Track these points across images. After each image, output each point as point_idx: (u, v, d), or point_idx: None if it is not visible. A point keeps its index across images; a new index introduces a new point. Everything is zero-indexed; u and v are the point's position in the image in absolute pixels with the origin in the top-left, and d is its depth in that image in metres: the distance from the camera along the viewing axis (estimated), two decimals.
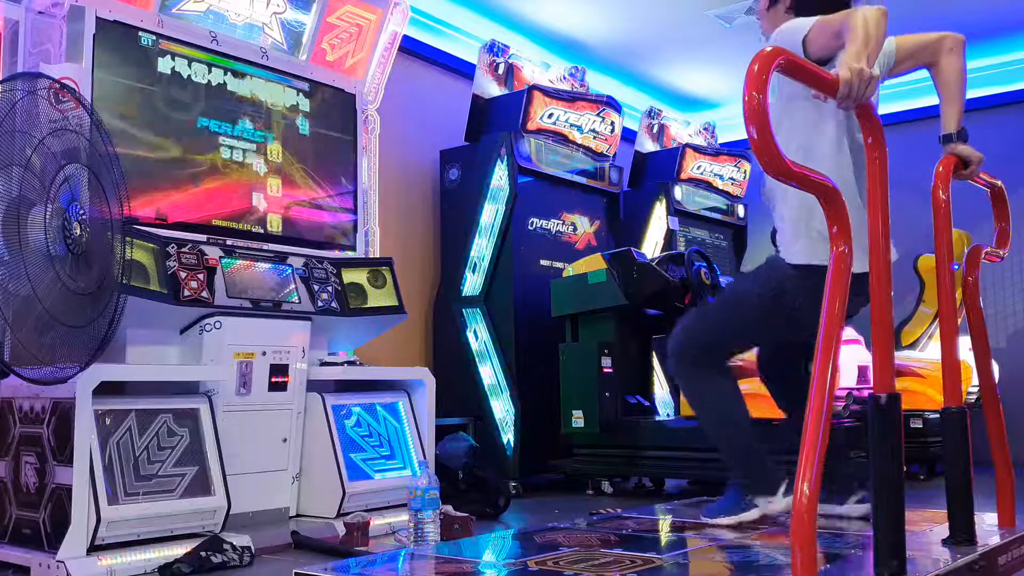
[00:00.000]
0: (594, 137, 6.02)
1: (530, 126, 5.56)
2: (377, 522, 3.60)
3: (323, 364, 3.91)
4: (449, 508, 3.70)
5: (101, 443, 2.98)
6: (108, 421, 3.03)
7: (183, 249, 3.43)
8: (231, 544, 3.08)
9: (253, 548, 3.15)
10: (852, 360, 4.83)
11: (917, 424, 5.42)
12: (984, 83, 6.94)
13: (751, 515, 2.69)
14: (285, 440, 3.67)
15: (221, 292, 3.49)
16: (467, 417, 5.20)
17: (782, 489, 2.67)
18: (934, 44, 2.60)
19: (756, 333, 2.85)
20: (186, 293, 3.36)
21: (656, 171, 6.87)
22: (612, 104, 6.08)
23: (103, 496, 2.92)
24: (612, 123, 6.09)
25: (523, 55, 5.91)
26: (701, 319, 2.94)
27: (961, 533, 2.35)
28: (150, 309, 3.25)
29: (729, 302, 2.99)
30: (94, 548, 2.90)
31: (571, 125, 5.84)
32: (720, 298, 3.19)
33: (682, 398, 4.95)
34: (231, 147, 3.85)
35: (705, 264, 5.16)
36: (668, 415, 5.48)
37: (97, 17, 3.41)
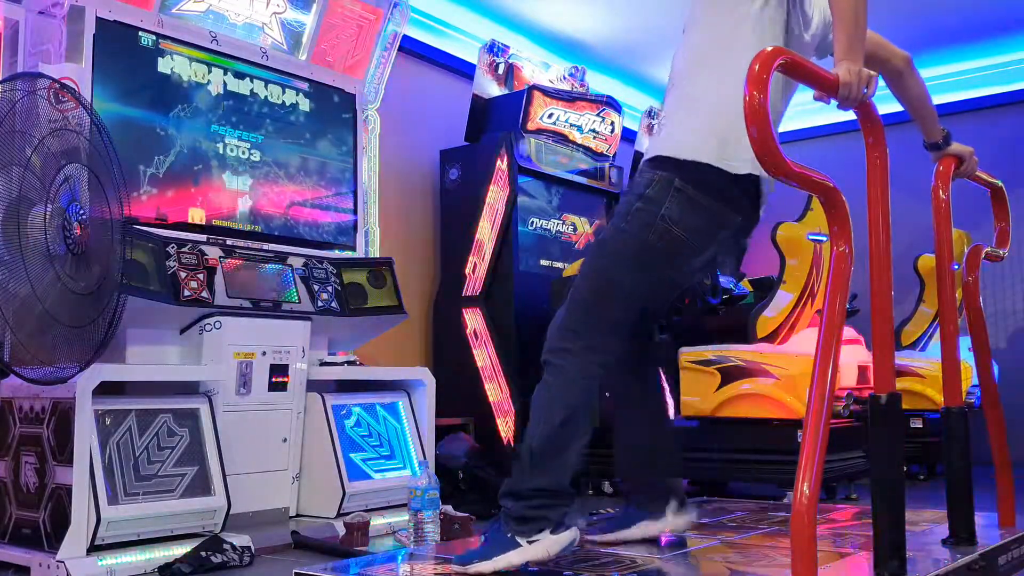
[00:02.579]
0: (594, 137, 6.02)
1: (530, 126, 5.56)
2: (377, 522, 3.60)
3: (323, 364, 3.91)
4: (449, 508, 3.70)
5: (101, 443, 2.98)
6: (108, 421, 3.03)
7: (183, 249, 3.43)
8: (231, 544, 3.08)
9: (253, 548, 3.14)
10: (852, 360, 4.83)
11: (917, 424, 5.42)
12: (984, 83, 6.93)
13: (502, 563, 2.09)
14: (285, 440, 3.67)
15: (221, 292, 3.49)
16: (467, 417, 5.20)
17: (549, 527, 2.13)
18: (883, 57, 2.43)
19: (636, 275, 2.20)
20: (186, 293, 3.36)
21: None
22: (612, 104, 6.08)
23: (103, 496, 2.92)
24: (612, 123, 6.09)
25: (523, 55, 5.91)
26: (577, 284, 2.30)
27: (961, 533, 2.35)
28: (150, 309, 3.25)
29: (597, 249, 2.37)
30: (94, 548, 2.89)
31: (571, 125, 5.85)
32: (589, 252, 2.43)
33: (683, 397, 4.95)
34: (231, 147, 3.85)
35: None
36: None
37: (97, 17, 3.41)
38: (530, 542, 2.11)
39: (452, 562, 2.16)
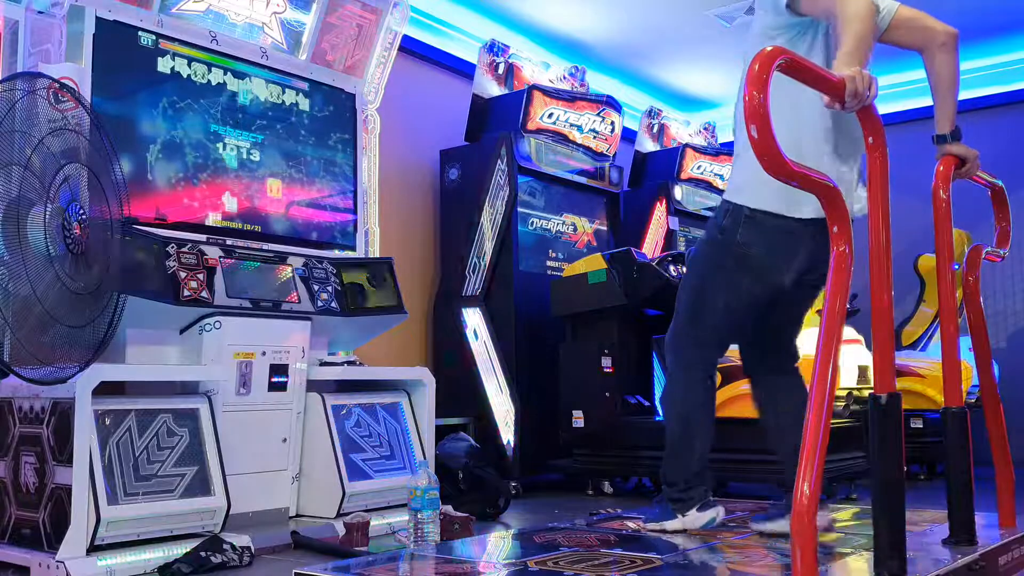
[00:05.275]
0: (594, 137, 6.02)
1: (530, 126, 5.56)
2: (377, 522, 3.59)
3: (323, 364, 3.91)
4: (449, 508, 3.70)
5: (101, 443, 2.98)
6: (108, 421, 3.03)
7: (183, 249, 3.43)
8: (231, 544, 3.08)
9: (253, 548, 3.14)
10: (852, 360, 4.82)
11: (917, 424, 5.42)
12: (984, 83, 6.94)
13: (671, 526, 2.69)
14: (285, 440, 3.67)
15: (221, 292, 3.49)
16: (467, 417, 5.20)
17: (696, 505, 2.69)
18: (929, 30, 2.54)
19: (726, 294, 2.64)
20: (186, 293, 3.35)
21: (656, 171, 6.87)
22: (612, 104, 6.08)
23: (103, 496, 2.92)
24: (612, 123, 6.09)
25: (523, 55, 5.91)
26: (678, 302, 2.77)
27: (961, 533, 2.35)
28: (150, 309, 3.25)
29: (689, 271, 2.82)
30: (94, 548, 2.89)
31: (571, 125, 5.84)
32: (685, 274, 2.93)
33: None
34: (231, 147, 3.85)
35: None
36: None
37: (97, 17, 3.41)
38: (683, 516, 2.69)
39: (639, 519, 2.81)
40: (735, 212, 2.55)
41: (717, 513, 2.71)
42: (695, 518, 2.68)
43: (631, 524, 2.81)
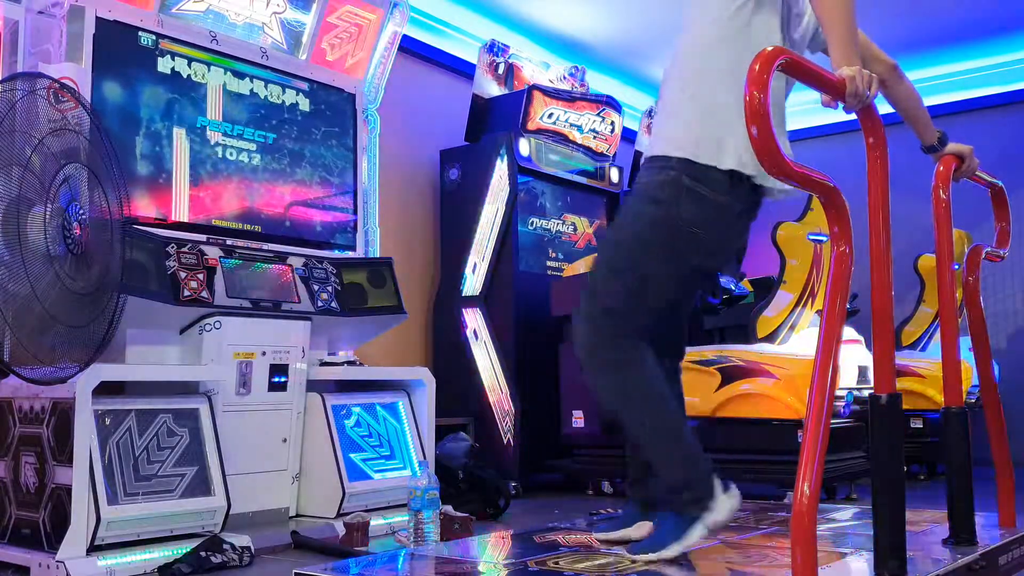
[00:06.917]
0: (594, 137, 6.02)
1: (530, 126, 5.56)
2: (377, 522, 3.60)
3: (323, 364, 3.91)
4: (449, 508, 3.70)
5: (101, 443, 2.98)
6: (108, 421, 3.03)
7: (183, 249, 3.43)
8: (231, 544, 3.08)
9: (253, 548, 3.14)
10: (852, 360, 4.83)
11: (917, 424, 5.43)
12: (984, 83, 6.93)
13: (696, 535, 2.20)
14: (285, 440, 3.67)
15: (221, 292, 3.49)
16: (467, 417, 5.20)
17: (719, 490, 2.22)
18: (866, 61, 2.34)
19: (658, 272, 2.22)
20: (186, 293, 3.35)
21: None
22: (612, 104, 6.08)
23: (103, 496, 2.92)
24: (612, 123, 6.09)
25: (523, 55, 5.91)
26: (598, 285, 2.29)
27: (961, 533, 2.35)
28: (150, 309, 3.25)
29: (620, 244, 2.30)
30: (94, 548, 2.89)
31: (571, 125, 5.84)
32: (604, 249, 2.37)
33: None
34: (231, 147, 3.85)
35: None
36: None
37: (97, 17, 3.41)
38: (709, 511, 2.19)
39: (630, 552, 2.24)
40: (672, 184, 2.16)
41: (736, 493, 2.25)
42: (725, 503, 2.21)
43: (656, 556, 2.21)
